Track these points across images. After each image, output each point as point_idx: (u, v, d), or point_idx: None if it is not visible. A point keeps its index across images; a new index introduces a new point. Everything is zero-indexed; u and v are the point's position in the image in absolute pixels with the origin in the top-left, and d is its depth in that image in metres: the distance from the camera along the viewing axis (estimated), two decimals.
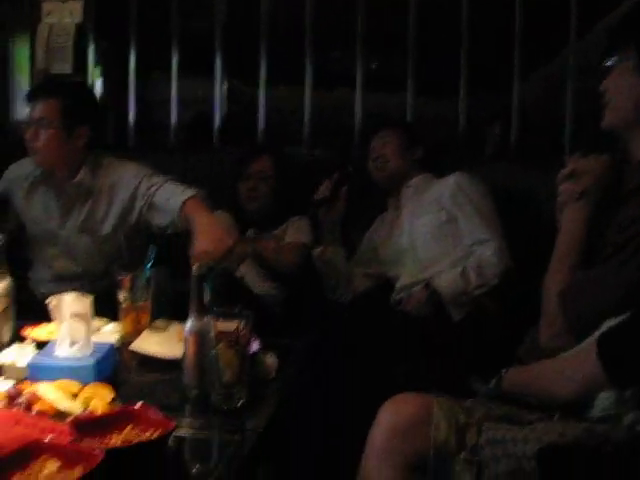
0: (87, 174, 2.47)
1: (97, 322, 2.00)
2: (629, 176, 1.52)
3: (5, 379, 1.54)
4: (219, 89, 3.30)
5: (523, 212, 2.74)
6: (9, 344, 1.79)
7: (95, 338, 1.87)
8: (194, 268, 1.52)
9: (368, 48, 3.19)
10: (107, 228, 2.49)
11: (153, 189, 2.41)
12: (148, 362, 1.76)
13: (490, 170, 2.87)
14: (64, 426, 1.20)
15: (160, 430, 1.18)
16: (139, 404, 1.24)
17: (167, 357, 1.71)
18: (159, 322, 1.95)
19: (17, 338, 1.84)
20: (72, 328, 1.53)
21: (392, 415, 1.30)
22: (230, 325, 1.47)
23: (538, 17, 3.11)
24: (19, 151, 3.21)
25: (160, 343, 1.79)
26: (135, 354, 1.79)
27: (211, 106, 3.32)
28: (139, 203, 2.44)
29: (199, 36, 3.45)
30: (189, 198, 2.30)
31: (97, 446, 1.11)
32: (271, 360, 1.69)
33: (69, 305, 1.54)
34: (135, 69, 3.35)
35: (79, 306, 1.55)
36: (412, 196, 2.64)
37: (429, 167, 2.70)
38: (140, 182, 2.44)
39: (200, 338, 1.51)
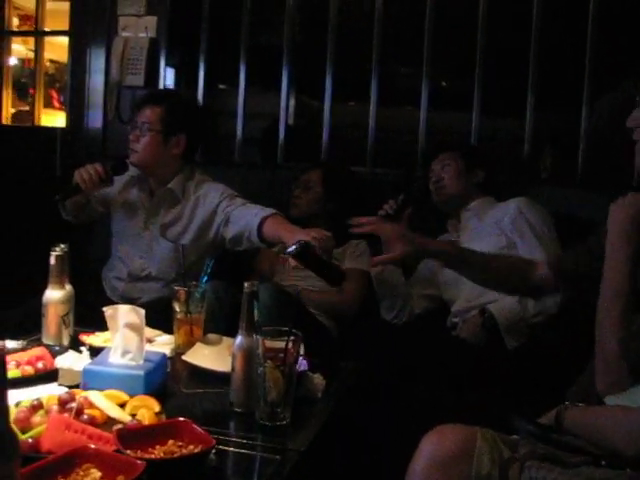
0: (180, 183, 2.62)
1: (152, 332, 2.06)
2: None
3: (60, 383, 1.60)
4: (285, 105, 3.34)
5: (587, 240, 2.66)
6: (67, 349, 1.86)
7: (150, 348, 1.95)
8: (245, 285, 1.54)
9: (437, 66, 3.18)
10: (187, 239, 2.58)
11: (232, 207, 2.51)
12: (198, 374, 1.79)
13: (554, 195, 2.83)
14: (110, 435, 1.23)
15: (201, 446, 1.20)
16: (182, 419, 1.26)
17: (217, 371, 1.73)
18: (212, 336, 1.98)
19: (76, 343, 1.91)
20: (125, 338, 1.57)
21: (434, 446, 1.27)
22: (278, 344, 1.47)
23: (609, 41, 3.04)
24: (92, 156, 3.41)
25: (211, 357, 1.82)
26: (186, 365, 1.83)
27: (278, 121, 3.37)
28: (218, 218, 2.54)
29: (268, 50, 3.51)
30: (270, 215, 2.37)
31: (139, 457, 1.13)
32: (318, 380, 1.69)
33: (123, 315, 1.58)
34: (204, 83, 3.43)
35: (133, 317, 1.58)
36: (471, 220, 2.60)
37: (491, 190, 2.66)
38: (222, 200, 2.55)
39: (248, 355, 1.52)
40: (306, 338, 2.05)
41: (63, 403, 1.39)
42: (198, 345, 1.92)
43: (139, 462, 1.08)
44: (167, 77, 3.46)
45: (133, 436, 1.21)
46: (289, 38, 3.32)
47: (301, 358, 1.70)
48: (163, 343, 2.01)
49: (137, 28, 3.41)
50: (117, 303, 2.40)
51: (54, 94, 4.40)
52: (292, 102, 3.63)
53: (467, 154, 2.69)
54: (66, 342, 1.93)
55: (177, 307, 1.98)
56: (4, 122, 3.84)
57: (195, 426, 1.24)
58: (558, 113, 3.30)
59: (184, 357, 1.83)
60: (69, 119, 3.62)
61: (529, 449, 1.25)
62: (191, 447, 1.21)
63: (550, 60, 3.09)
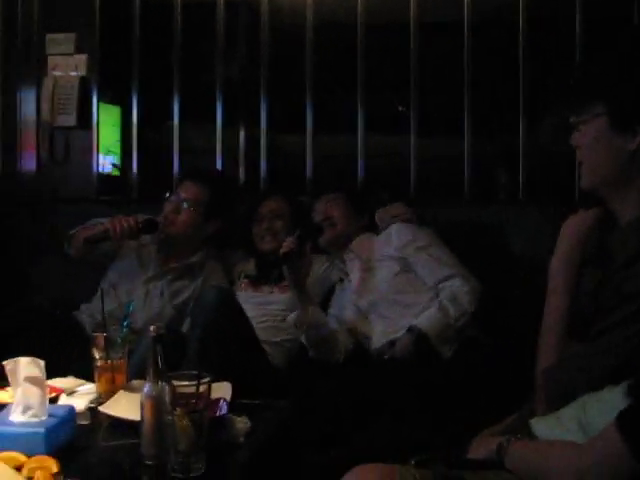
0: (201, 259, 2.74)
1: (74, 382, 1.96)
2: (617, 240, 1.41)
3: None
4: (220, 138, 3.27)
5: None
6: None
7: (71, 399, 1.84)
8: (151, 328, 1.45)
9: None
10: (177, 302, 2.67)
11: None
12: (118, 426, 1.68)
13: (499, 211, 2.90)
14: None
15: None
16: None
17: (133, 420, 1.62)
18: (136, 382, 1.87)
19: None
20: (26, 393, 1.46)
21: None
22: (189, 389, 1.39)
23: (547, 58, 3.05)
24: (25, 201, 3.31)
25: (129, 405, 1.70)
26: (106, 416, 1.72)
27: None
28: None
29: (204, 85, 3.45)
30: None
31: None
32: (241, 424, 1.60)
33: (24, 368, 1.47)
34: (137, 120, 3.35)
35: (33, 369, 1.48)
36: (355, 260, 2.60)
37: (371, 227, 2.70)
38: None
39: (157, 403, 1.42)
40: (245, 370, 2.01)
41: None
42: (119, 393, 1.81)
43: None
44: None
45: None
46: (221, 70, 3.28)
47: (221, 400, 1.62)
48: (85, 393, 1.91)
49: (67, 67, 3.33)
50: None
51: None
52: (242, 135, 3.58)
53: (352, 198, 2.72)
54: None
55: (96, 354, 1.88)
56: None
57: None
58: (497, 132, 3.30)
59: (100, 407, 1.73)
60: (2, 164, 3.51)
61: None
62: None
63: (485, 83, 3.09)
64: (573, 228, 1.50)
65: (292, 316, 2.44)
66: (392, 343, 2.36)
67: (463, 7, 3.02)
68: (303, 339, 2.45)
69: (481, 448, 1.39)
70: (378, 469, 1.23)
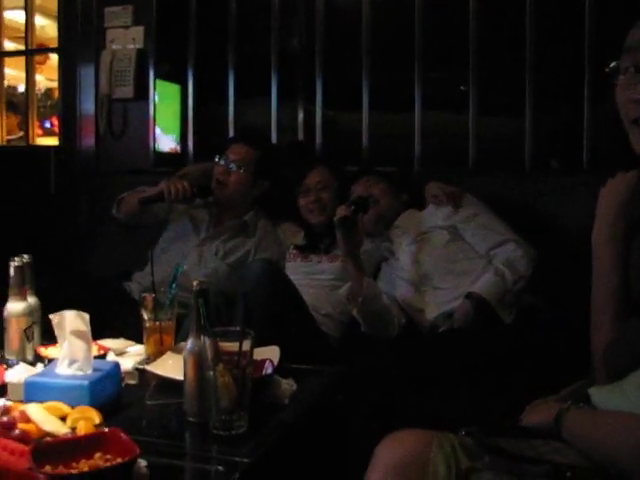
0: (253, 217, 2.77)
1: (124, 343, 1.96)
2: None
3: (9, 398, 1.50)
4: (275, 114, 3.26)
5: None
6: (33, 364, 1.76)
7: (120, 359, 1.85)
8: (194, 283, 1.43)
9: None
10: (231, 260, 2.69)
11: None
12: (165, 385, 1.67)
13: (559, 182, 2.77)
14: None
15: (127, 457, 1.08)
16: (107, 429, 1.14)
17: (178, 380, 1.61)
18: (184, 344, 1.86)
19: (40, 358, 1.81)
20: (72, 346, 1.47)
21: (389, 453, 1.14)
22: (232, 346, 1.36)
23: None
24: (86, 175, 3.36)
25: (175, 365, 1.69)
26: (154, 376, 1.72)
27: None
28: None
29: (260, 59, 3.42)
30: None
31: (52, 473, 1.02)
32: (287, 386, 1.57)
33: (70, 322, 1.48)
34: (194, 95, 3.35)
35: (79, 323, 1.48)
36: (403, 237, 2.55)
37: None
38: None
39: (199, 360, 1.41)
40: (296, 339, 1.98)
41: None
42: (167, 354, 1.81)
43: (41, 478, 0.96)
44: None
45: (52, 451, 1.09)
46: (277, 45, 3.25)
47: (267, 361, 1.59)
48: (134, 354, 1.91)
49: (125, 40, 3.35)
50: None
51: (55, 121, 4.33)
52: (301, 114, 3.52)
53: (389, 177, 2.70)
54: (30, 356, 1.82)
55: (145, 315, 1.87)
56: None
57: (123, 435, 1.13)
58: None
59: (147, 367, 1.72)
60: (62, 137, 3.57)
61: (490, 458, 1.10)
62: (119, 459, 1.09)
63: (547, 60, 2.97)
64: (611, 193, 1.36)
65: (344, 289, 2.40)
66: (449, 315, 2.30)
67: None
68: (355, 313, 2.39)
69: (535, 415, 1.32)
70: (415, 434, 1.18)
